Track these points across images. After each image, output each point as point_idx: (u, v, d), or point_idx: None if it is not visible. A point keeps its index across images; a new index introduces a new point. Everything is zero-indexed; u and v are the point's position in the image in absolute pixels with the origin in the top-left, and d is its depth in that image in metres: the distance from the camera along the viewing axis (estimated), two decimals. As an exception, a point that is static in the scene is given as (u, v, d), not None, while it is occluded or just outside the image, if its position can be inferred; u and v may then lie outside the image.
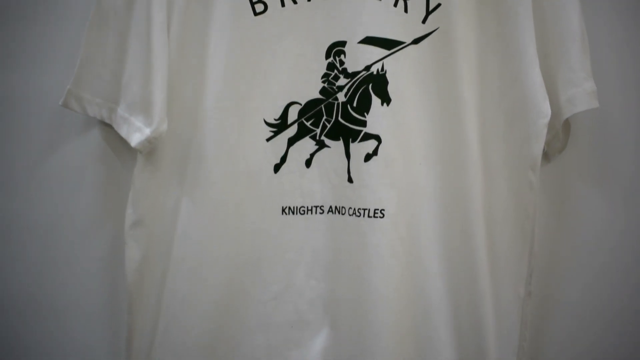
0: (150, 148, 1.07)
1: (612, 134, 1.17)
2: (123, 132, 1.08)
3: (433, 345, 1.11)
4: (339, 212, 1.10)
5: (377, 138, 1.08)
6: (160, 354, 1.10)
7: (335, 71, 1.09)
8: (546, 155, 1.16)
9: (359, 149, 1.09)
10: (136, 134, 1.06)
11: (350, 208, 1.09)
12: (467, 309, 1.11)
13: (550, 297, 1.18)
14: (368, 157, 1.08)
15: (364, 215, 1.08)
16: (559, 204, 1.18)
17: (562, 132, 1.13)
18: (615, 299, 1.19)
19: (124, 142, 1.13)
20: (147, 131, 1.05)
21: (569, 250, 1.18)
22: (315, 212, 1.11)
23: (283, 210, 1.11)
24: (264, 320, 1.12)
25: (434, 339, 1.11)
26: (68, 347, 1.18)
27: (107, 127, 1.13)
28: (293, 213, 1.11)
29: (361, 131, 1.08)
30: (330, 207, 1.11)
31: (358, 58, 1.08)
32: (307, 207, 1.11)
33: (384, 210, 1.08)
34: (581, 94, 1.08)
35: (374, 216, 1.08)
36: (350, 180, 1.09)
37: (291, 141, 1.11)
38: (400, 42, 1.08)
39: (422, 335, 1.11)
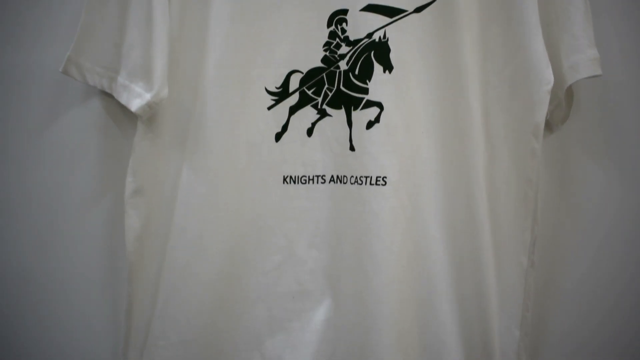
0: (151, 113, 1.06)
1: (614, 104, 1.17)
2: (123, 99, 1.07)
3: (435, 316, 1.10)
4: (340, 182, 1.09)
5: (379, 105, 1.07)
6: (160, 325, 1.09)
7: (337, 39, 1.08)
8: (549, 126, 1.16)
9: (361, 116, 1.08)
10: (136, 99, 1.05)
11: (352, 176, 1.09)
12: (470, 279, 1.10)
13: (553, 267, 1.17)
14: (370, 125, 1.08)
15: (365, 183, 1.08)
16: (561, 174, 1.18)
17: (564, 101, 1.12)
18: (618, 267, 1.18)
19: (124, 112, 1.13)
20: (148, 96, 1.04)
21: (572, 222, 1.18)
22: (317, 182, 1.10)
23: (284, 179, 1.10)
24: (265, 291, 1.11)
25: (436, 309, 1.10)
26: (67, 317, 1.17)
27: (108, 97, 1.13)
28: (294, 182, 1.10)
29: (363, 99, 1.08)
30: (332, 176, 1.10)
31: (360, 26, 1.07)
32: (309, 177, 1.10)
33: (386, 177, 1.08)
34: (584, 60, 1.08)
35: (376, 183, 1.08)
36: (352, 148, 1.09)
37: (292, 110, 1.10)
38: (403, 10, 1.07)
39: (424, 305, 1.10)
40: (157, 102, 1.05)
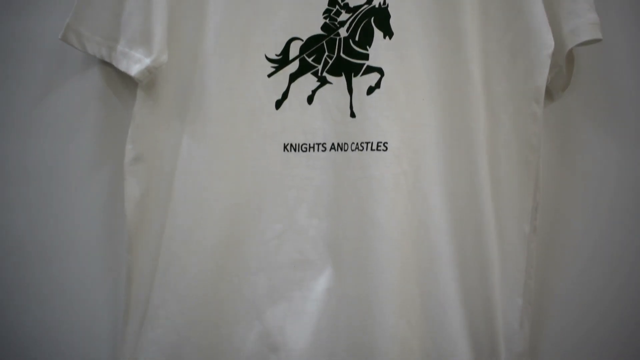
0: (150, 78, 1.06)
1: (615, 71, 1.17)
2: (122, 66, 1.07)
3: (437, 284, 1.09)
4: (341, 149, 1.09)
5: (380, 71, 1.07)
6: (161, 294, 1.09)
7: (337, 7, 1.08)
8: (550, 94, 1.15)
9: (361, 82, 1.08)
10: (136, 65, 1.05)
11: (352, 143, 1.08)
12: (472, 246, 1.09)
13: (555, 235, 1.17)
14: (371, 90, 1.07)
15: (366, 149, 1.07)
16: (562, 142, 1.17)
17: (565, 67, 1.12)
18: (620, 233, 1.17)
19: (123, 82, 1.13)
20: (147, 61, 1.04)
21: (573, 188, 1.17)
22: (318, 150, 1.10)
23: (285, 147, 1.10)
24: (265, 260, 1.11)
25: (438, 277, 1.09)
26: (67, 287, 1.16)
27: (107, 67, 1.13)
28: (295, 150, 1.10)
29: (363, 65, 1.08)
30: (333, 144, 1.09)
31: None
32: (309, 145, 1.10)
33: (387, 143, 1.07)
34: (584, 24, 1.08)
35: (377, 149, 1.07)
36: (352, 115, 1.08)
37: (292, 77, 1.10)
38: None
39: (425, 273, 1.10)
40: (157, 67, 1.04)
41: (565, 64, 1.12)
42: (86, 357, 1.16)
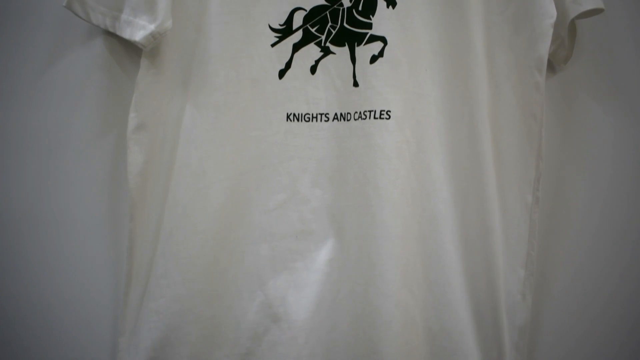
0: (155, 44, 1.06)
1: (617, 45, 1.18)
2: (126, 34, 1.06)
3: (439, 253, 1.10)
4: (344, 119, 1.09)
5: (383, 40, 1.07)
6: (163, 263, 1.08)
7: None
8: (552, 67, 1.16)
9: (365, 51, 1.08)
10: (140, 31, 1.05)
11: (355, 112, 1.08)
12: (474, 216, 1.10)
13: (557, 206, 1.17)
14: (374, 59, 1.08)
15: (369, 117, 1.08)
16: (565, 114, 1.18)
17: (567, 39, 1.12)
18: (623, 202, 1.18)
19: (127, 52, 1.14)
20: (151, 27, 1.04)
21: (576, 159, 1.18)
22: (320, 120, 1.10)
23: (288, 117, 1.10)
24: (268, 230, 1.10)
25: (440, 246, 1.09)
26: (67, 254, 1.16)
27: (111, 37, 1.13)
28: (298, 120, 1.10)
29: (366, 34, 1.08)
30: (336, 114, 1.10)
31: None
32: (312, 115, 1.10)
33: (389, 111, 1.07)
34: (586, -7, 1.08)
35: (380, 117, 1.07)
36: (355, 84, 1.08)
37: (296, 47, 1.10)
38: None
39: (428, 243, 1.10)
40: (161, 33, 1.04)
41: (567, 35, 1.12)
42: (87, 329, 1.16)
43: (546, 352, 1.18)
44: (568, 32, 1.12)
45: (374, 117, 1.07)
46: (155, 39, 1.05)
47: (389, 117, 1.07)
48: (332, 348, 1.10)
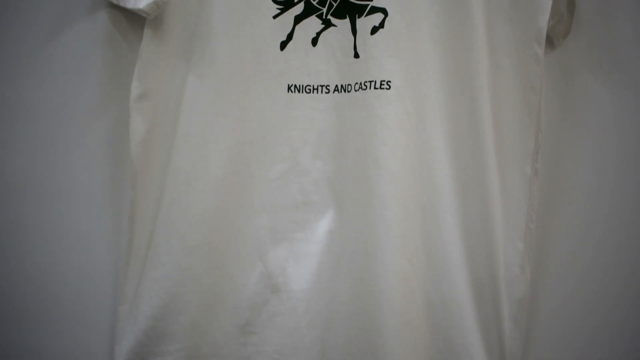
0: (158, 12, 1.07)
1: (616, 20, 1.18)
2: (130, 3, 1.08)
3: (439, 225, 1.10)
4: (345, 90, 1.10)
5: (384, 11, 1.08)
6: (164, 232, 1.09)
7: None
8: (551, 42, 1.17)
9: (365, 23, 1.09)
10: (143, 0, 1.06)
11: (356, 83, 1.09)
12: (473, 189, 1.10)
13: (556, 179, 1.17)
14: (374, 30, 1.09)
15: (370, 87, 1.08)
16: (564, 89, 1.18)
17: (566, 13, 1.13)
18: (621, 175, 1.18)
19: (130, 24, 1.14)
20: (156, -5, 1.05)
21: (575, 132, 1.18)
22: (321, 92, 1.11)
23: (289, 88, 1.11)
24: (268, 201, 1.11)
25: (440, 218, 1.10)
26: (69, 223, 1.16)
27: (114, 9, 1.14)
28: (299, 91, 1.11)
29: (367, 5, 1.09)
30: (336, 86, 1.10)
31: None
32: (313, 86, 1.11)
33: (390, 82, 1.08)
34: (586, -34, 1.10)
35: (381, 87, 1.08)
36: (356, 55, 1.09)
37: (297, 19, 1.11)
38: None
39: (428, 214, 1.10)
40: (165, 0, 1.06)
41: (567, 10, 1.13)
42: (88, 298, 1.16)
43: (545, 325, 1.18)
44: (567, 6, 1.12)
45: (374, 87, 1.08)
46: (159, 6, 1.06)
47: (389, 87, 1.08)
48: (332, 318, 1.10)
